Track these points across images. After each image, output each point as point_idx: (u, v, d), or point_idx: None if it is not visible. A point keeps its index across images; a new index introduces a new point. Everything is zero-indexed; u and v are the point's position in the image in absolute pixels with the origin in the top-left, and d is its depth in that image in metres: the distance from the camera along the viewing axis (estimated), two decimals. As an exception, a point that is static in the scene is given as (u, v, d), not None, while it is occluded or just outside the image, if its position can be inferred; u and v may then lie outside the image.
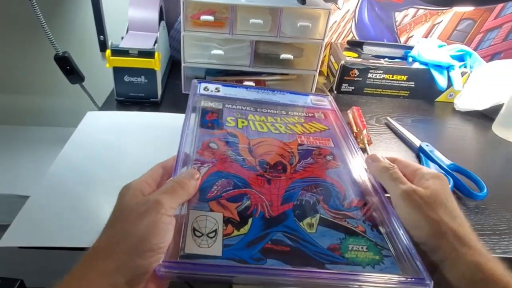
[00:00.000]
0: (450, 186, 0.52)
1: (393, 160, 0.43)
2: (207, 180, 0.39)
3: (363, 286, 0.31)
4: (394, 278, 0.32)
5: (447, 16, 0.88)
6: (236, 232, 0.34)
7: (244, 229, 0.34)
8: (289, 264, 0.32)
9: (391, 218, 0.37)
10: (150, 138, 0.58)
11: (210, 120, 0.49)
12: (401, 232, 0.36)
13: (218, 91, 0.55)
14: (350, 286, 0.31)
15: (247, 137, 0.47)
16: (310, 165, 0.44)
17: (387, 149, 0.63)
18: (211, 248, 0.32)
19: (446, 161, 0.57)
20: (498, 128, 0.72)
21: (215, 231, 0.33)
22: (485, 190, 0.51)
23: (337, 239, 0.35)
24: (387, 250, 0.35)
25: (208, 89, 0.55)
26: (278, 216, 0.36)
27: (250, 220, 0.35)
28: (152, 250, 0.28)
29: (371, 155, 0.44)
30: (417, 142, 0.62)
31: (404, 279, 0.32)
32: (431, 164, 0.57)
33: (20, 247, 0.39)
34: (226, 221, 0.34)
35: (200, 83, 0.56)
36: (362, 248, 0.34)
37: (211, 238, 0.33)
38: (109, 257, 0.27)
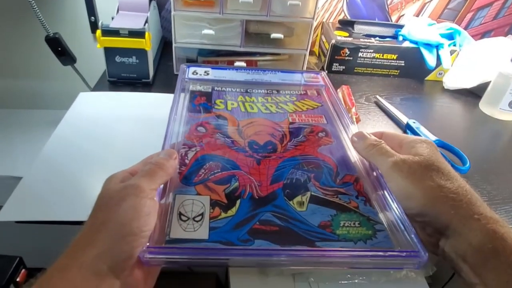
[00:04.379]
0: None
1: (380, 135, 0.41)
2: (195, 164, 0.38)
3: (354, 262, 0.31)
4: (387, 252, 0.31)
5: (438, -6, 0.88)
6: (223, 215, 0.33)
7: (232, 211, 0.33)
8: (277, 243, 0.31)
9: (384, 192, 0.36)
10: (142, 117, 0.58)
11: (198, 104, 0.48)
12: (394, 205, 0.34)
13: (207, 74, 0.54)
14: (340, 262, 0.31)
15: (237, 118, 0.46)
16: (301, 143, 0.43)
17: (375, 126, 0.64)
18: (197, 231, 0.31)
19: (431, 137, 0.58)
20: (484, 106, 0.73)
21: (202, 214, 0.33)
22: (468, 164, 0.53)
23: (328, 216, 0.34)
24: (381, 225, 0.34)
25: (197, 73, 0.54)
26: (267, 196, 0.36)
27: (238, 202, 0.34)
28: (134, 234, 0.27)
29: (357, 132, 0.40)
30: (404, 119, 0.64)
31: (398, 252, 0.31)
32: (417, 140, 0.59)
33: (17, 222, 0.40)
34: (214, 204, 0.34)
35: (188, 67, 0.55)
36: (354, 223, 0.34)
37: (197, 221, 0.32)
38: (90, 245, 0.26)
